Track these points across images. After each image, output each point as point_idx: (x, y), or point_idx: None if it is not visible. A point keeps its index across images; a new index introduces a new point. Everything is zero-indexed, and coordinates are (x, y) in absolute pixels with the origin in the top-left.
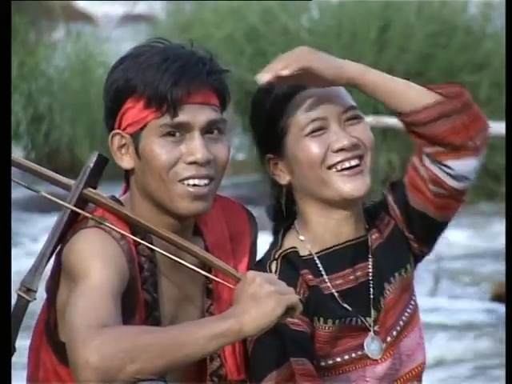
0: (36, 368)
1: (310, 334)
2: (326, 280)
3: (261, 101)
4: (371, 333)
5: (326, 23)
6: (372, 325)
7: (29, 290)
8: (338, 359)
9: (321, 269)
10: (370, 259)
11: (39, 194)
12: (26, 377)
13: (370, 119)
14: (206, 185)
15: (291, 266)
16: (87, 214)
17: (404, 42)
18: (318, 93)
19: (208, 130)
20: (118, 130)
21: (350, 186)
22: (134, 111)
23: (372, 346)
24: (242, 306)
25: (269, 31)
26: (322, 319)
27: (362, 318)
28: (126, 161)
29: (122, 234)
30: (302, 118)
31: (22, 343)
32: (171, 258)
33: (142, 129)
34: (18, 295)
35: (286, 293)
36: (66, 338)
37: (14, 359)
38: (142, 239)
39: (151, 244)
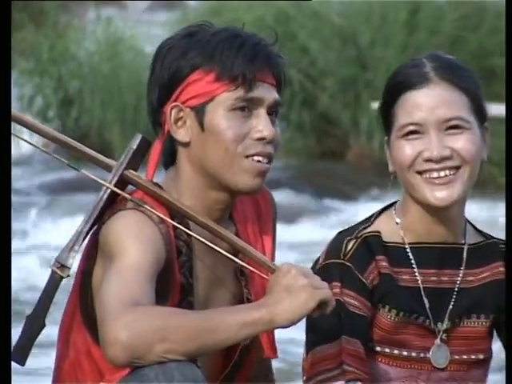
0: (66, 348)
1: (370, 318)
2: (416, 272)
3: (388, 80)
4: (438, 340)
5: (355, 6)
6: (441, 333)
7: (63, 266)
8: (396, 351)
9: (412, 259)
10: (462, 270)
11: (80, 172)
12: (56, 357)
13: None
14: (267, 162)
15: (368, 250)
16: (127, 196)
17: (434, 24)
18: (426, 95)
19: (271, 109)
20: (177, 103)
21: (435, 194)
22: (200, 84)
23: (438, 353)
24: (275, 296)
25: (299, 14)
26: (387, 307)
27: (432, 321)
28: (182, 134)
29: (161, 218)
30: (403, 118)
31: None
32: (208, 245)
33: (207, 102)
34: (52, 271)
35: (320, 287)
36: (97, 316)
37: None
38: (179, 223)
39: (188, 229)
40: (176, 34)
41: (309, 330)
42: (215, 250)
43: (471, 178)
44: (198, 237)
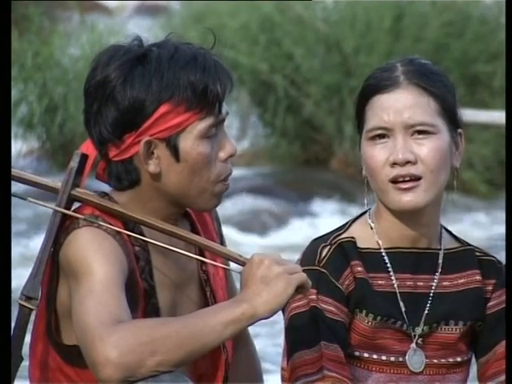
0: (44, 370)
1: (348, 324)
2: (392, 277)
3: (363, 83)
4: (413, 344)
5: (340, 12)
6: (417, 337)
7: (30, 298)
8: (375, 356)
9: (388, 264)
10: (438, 275)
11: (26, 201)
12: (31, 379)
13: None
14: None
15: (343, 255)
16: (80, 216)
17: (418, 31)
18: (394, 99)
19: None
20: (149, 138)
21: (401, 198)
22: (169, 116)
23: (414, 358)
24: (253, 289)
25: (283, 20)
26: (364, 312)
27: (408, 325)
28: (153, 166)
29: (116, 229)
30: (371, 120)
31: None
32: (164, 247)
33: (179, 132)
34: (20, 304)
35: (295, 271)
36: (78, 339)
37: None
38: (133, 231)
39: (142, 234)
40: (117, 59)
41: (287, 336)
42: (173, 250)
43: (435, 185)
44: (153, 241)
